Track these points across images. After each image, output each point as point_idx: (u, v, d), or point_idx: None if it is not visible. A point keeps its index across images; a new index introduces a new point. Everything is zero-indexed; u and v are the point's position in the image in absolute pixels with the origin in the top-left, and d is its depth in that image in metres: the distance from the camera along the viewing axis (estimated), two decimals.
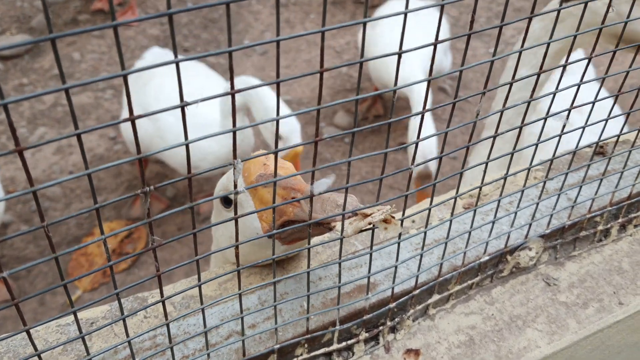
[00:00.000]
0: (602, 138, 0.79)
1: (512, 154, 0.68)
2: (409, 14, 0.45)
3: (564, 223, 0.87)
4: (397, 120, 0.52)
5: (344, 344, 0.74)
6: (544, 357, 0.78)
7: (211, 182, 3.02)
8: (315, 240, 0.84)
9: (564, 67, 0.64)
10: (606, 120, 0.75)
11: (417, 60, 2.67)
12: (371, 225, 0.58)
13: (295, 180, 0.65)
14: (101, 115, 3.32)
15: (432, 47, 0.47)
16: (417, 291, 0.76)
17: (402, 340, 0.77)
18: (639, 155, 1.03)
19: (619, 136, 0.82)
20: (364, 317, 0.72)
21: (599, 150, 1.02)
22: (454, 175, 0.63)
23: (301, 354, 0.73)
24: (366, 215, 0.57)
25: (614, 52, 0.68)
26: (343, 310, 0.74)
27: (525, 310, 0.82)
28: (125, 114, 2.70)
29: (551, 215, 0.86)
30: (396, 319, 0.77)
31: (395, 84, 0.49)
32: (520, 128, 0.65)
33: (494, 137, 0.63)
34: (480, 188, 0.70)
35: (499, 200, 0.74)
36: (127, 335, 0.56)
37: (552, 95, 0.66)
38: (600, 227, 0.92)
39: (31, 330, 0.60)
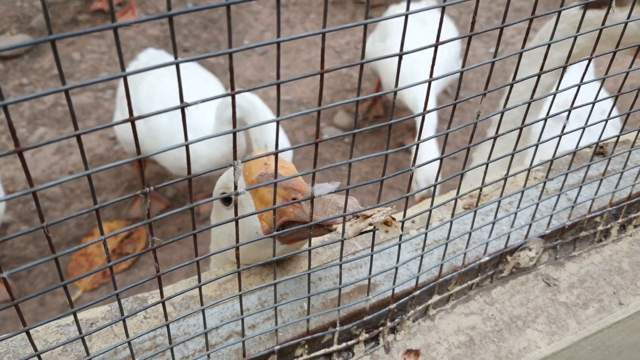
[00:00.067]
0: (600, 138, 0.79)
1: (513, 155, 0.68)
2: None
3: (564, 223, 0.87)
4: (398, 122, 0.52)
5: (344, 344, 0.74)
6: (544, 357, 0.78)
7: (211, 182, 3.02)
8: (315, 241, 0.84)
9: (564, 67, 0.64)
10: (606, 120, 0.75)
11: (424, 72, 2.55)
12: (372, 227, 0.58)
13: (296, 181, 0.65)
14: (101, 115, 3.32)
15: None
16: (418, 292, 0.76)
17: (402, 340, 0.77)
18: (638, 155, 1.03)
19: (618, 136, 0.82)
20: (365, 318, 0.72)
21: (599, 150, 1.02)
22: (454, 176, 0.63)
23: (301, 355, 0.73)
24: (367, 217, 0.57)
25: (614, 53, 0.68)
26: (343, 310, 0.74)
27: (525, 311, 0.82)
28: (119, 114, 2.68)
29: (551, 216, 0.85)
30: (396, 320, 0.77)
31: (396, 85, 0.49)
32: (521, 129, 0.65)
33: (494, 138, 0.63)
34: (481, 189, 0.70)
35: (499, 201, 0.74)
36: (127, 336, 0.56)
37: (555, 96, 0.66)
38: (600, 228, 0.92)
39: (31, 331, 0.60)
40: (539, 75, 0.61)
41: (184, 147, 0.42)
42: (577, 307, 0.84)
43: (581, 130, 0.73)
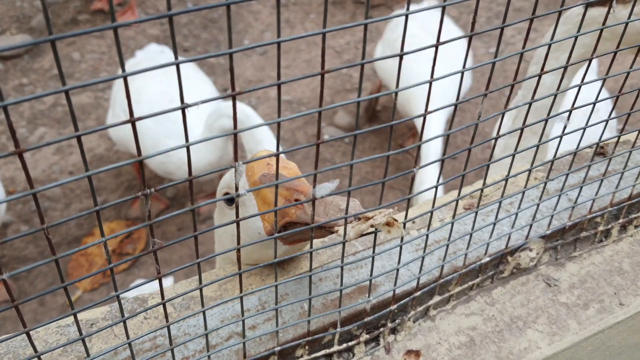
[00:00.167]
0: (600, 139, 0.79)
1: (513, 156, 0.68)
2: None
3: (565, 224, 0.87)
4: (398, 123, 0.52)
5: (344, 345, 0.74)
6: (544, 358, 0.78)
7: (212, 183, 3.02)
8: (316, 242, 0.84)
9: (565, 67, 0.64)
10: (607, 120, 0.75)
11: (436, 97, 2.42)
12: (373, 229, 0.57)
13: (299, 182, 0.65)
14: (101, 116, 3.32)
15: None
16: (419, 293, 0.75)
17: (402, 341, 0.77)
18: (639, 155, 1.03)
19: (619, 137, 0.82)
20: (365, 319, 0.72)
21: (600, 150, 1.02)
22: (455, 177, 0.63)
23: (302, 355, 0.73)
24: (368, 219, 0.57)
25: (615, 53, 0.68)
26: (344, 311, 0.74)
27: (525, 311, 0.82)
28: (111, 114, 2.67)
29: (552, 216, 0.85)
30: (397, 320, 0.77)
31: (397, 85, 0.49)
32: (522, 129, 0.65)
33: (497, 138, 0.63)
34: (482, 190, 0.70)
35: (500, 202, 0.74)
36: (128, 337, 0.56)
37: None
38: (600, 228, 0.92)
39: (31, 332, 0.60)
40: (539, 76, 0.61)
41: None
42: (577, 307, 0.83)
43: (582, 130, 0.72)
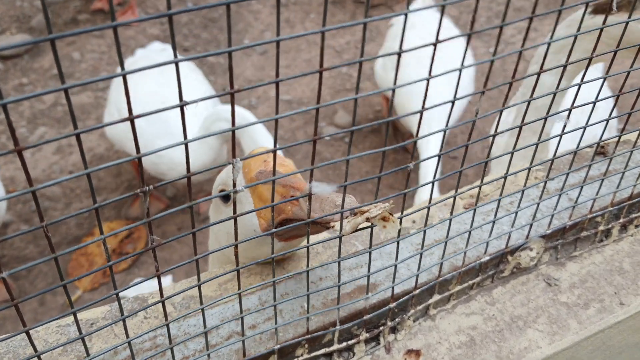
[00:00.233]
0: (601, 138, 0.79)
1: (511, 154, 0.68)
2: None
3: (565, 223, 0.87)
4: (396, 119, 0.52)
5: (344, 344, 0.74)
6: (545, 357, 0.78)
7: (211, 181, 3.02)
8: (314, 239, 0.84)
9: (565, 67, 0.64)
10: (607, 120, 0.75)
11: (435, 115, 2.38)
12: (369, 223, 0.57)
13: (295, 179, 0.65)
14: (101, 115, 3.32)
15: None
16: (418, 291, 0.75)
17: (402, 340, 0.77)
18: None
19: (620, 136, 0.82)
20: (364, 317, 0.72)
21: (600, 150, 1.02)
22: (453, 173, 0.63)
23: (302, 355, 0.72)
24: (364, 212, 0.57)
25: (615, 53, 0.68)
26: (343, 310, 0.74)
27: (526, 311, 0.82)
28: (107, 112, 2.67)
29: (552, 216, 0.85)
30: (397, 319, 0.77)
31: (395, 83, 0.49)
32: (520, 127, 0.65)
33: (494, 135, 0.63)
34: (480, 187, 0.70)
35: (499, 200, 0.74)
36: (127, 336, 0.56)
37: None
38: (601, 228, 0.92)
39: (31, 331, 0.60)
40: (538, 74, 0.61)
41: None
42: (578, 307, 0.83)
43: (582, 129, 0.72)
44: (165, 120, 2.32)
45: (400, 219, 0.60)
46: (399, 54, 0.47)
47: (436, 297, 0.80)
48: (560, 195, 0.82)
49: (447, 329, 0.79)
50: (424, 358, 0.75)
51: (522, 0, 4.30)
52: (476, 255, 0.82)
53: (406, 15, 0.46)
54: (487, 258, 0.81)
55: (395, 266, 0.68)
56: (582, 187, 0.84)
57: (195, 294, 0.76)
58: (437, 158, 0.59)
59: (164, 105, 2.54)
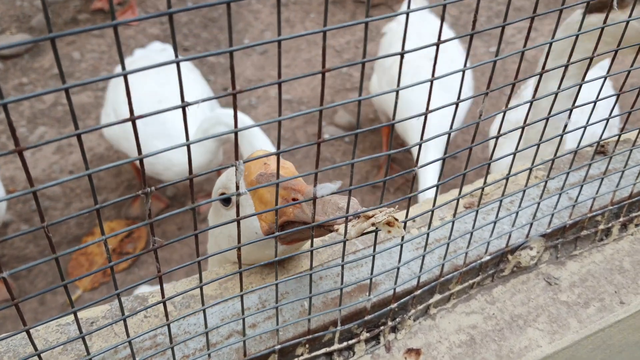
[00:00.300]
0: (601, 137, 0.79)
1: (514, 153, 0.68)
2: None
3: (565, 222, 0.87)
4: (399, 122, 0.52)
5: (344, 343, 0.74)
6: (545, 356, 0.78)
7: (211, 182, 3.02)
8: (316, 241, 0.84)
9: (566, 67, 0.64)
10: (607, 119, 0.75)
11: (434, 118, 2.27)
12: (374, 228, 0.57)
13: (296, 181, 0.65)
14: (100, 115, 3.32)
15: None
16: (419, 291, 0.75)
17: (402, 339, 0.77)
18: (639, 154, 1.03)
19: (619, 135, 0.82)
20: (366, 318, 0.72)
21: (600, 149, 1.02)
22: (456, 176, 0.63)
23: (302, 354, 0.73)
24: (369, 217, 0.57)
25: (615, 52, 0.68)
26: (344, 310, 0.74)
27: (526, 310, 0.82)
28: (104, 112, 2.66)
29: (552, 215, 0.85)
30: (397, 319, 0.77)
31: (398, 84, 0.49)
32: (522, 128, 0.65)
33: (497, 137, 0.63)
34: (483, 188, 0.70)
35: (501, 200, 0.74)
36: (128, 335, 0.56)
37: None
38: (601, 227, 0.92)
39: (31, 330, 0.60)
40: (540, 75, 0.61)
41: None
42: (578, 306, 0.83)
43: (582, 128, 0.72)
44: (162, 120, 2.32)
45: (405, 222, 0.60)
46: (402, 55, 0.47)
47: (437, 296, 0.80)
48: (560, 194, 0.82)
49: (447, 328, 0.79)
50: (424, 357, 0.75)
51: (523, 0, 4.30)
52: (477, 255, 0.82)
53: (407, 15, 0.46)
54: (488, 257, 0.81)
55: (398, 268, 0.68)
56: (582, 186, 0.84)
57: (195, 292, 0.76)
58: (436, 159, 0.59)
59: (161, 104, 2.52)
